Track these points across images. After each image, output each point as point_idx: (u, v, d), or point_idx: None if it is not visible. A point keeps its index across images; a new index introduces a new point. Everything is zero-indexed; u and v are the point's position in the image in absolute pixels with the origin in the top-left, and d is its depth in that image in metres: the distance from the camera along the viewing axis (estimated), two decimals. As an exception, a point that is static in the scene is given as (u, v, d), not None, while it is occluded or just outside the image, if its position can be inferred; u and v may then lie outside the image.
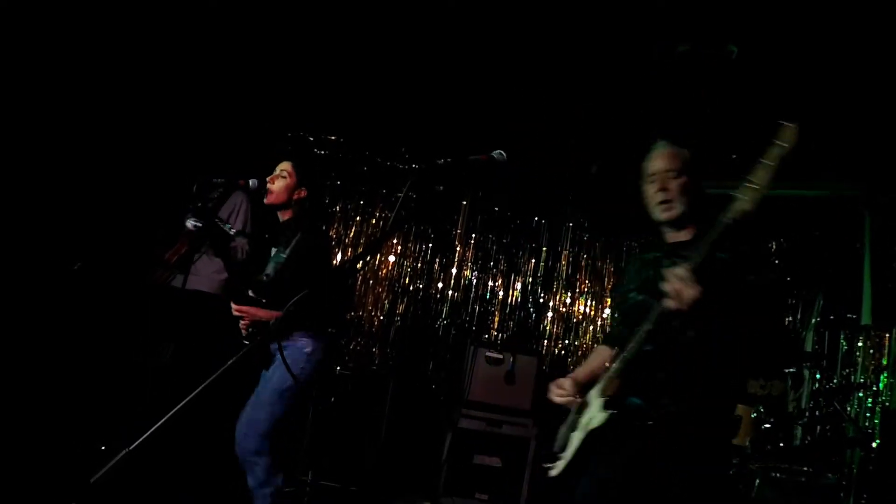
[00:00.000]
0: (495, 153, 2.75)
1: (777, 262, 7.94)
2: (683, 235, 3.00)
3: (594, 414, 2.86)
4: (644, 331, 2.71)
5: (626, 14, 5.06)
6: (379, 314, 7.89)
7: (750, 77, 5.54)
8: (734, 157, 6.85)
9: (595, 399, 2.91)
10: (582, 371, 3.19)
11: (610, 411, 2.79)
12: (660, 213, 2.98)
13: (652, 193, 3.00)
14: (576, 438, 2.93)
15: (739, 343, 2.71)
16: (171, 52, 6.22)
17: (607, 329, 8.10)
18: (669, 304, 2.57)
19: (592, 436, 2.84)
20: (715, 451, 2.82)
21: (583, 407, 3.00)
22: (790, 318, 7.75)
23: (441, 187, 2.58)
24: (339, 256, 7.90)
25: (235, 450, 4.12)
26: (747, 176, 2.50)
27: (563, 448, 3.01)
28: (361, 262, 4.11)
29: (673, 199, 2.93)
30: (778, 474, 5.29)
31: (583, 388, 3.05)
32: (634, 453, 2.79)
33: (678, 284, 2.53)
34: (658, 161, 3.02)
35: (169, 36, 6.04)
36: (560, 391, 3.06)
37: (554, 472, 3.00)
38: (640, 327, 2.75)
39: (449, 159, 2.66)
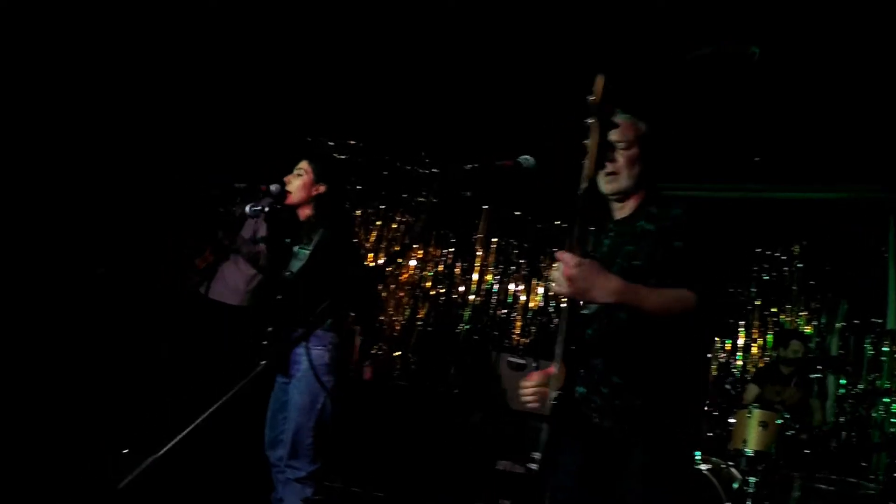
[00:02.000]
0: (522, 158, 2.68)
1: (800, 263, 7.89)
2: (626, 210, 2.80)
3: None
4: (566, 313, 2.45)
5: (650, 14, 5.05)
6: (401, 319, 7.88)
7: (776, 80, 5.51)
8: (757, 159, 6.83)
9: (552, 391, 2.72)
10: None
11: (553, 402, 2.47)
12: (604, 185, 2.77)
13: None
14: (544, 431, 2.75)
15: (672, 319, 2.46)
16: (195, 61, 6.24)
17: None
18: (553, 288, 2.43)
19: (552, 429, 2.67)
20: (664, 448, 2.55)
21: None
22: (815, 322, 7.70)
23: (468, 193, 2.49)
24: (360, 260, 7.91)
25: (268, 454, 4.11)
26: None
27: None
28: (391, 266, 4.07)
29: (619, 171, 2.74)
30: (820, 484, 5.23)
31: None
32: (584, 451, 2.59)
33: (561, 268, 2.36)
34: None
35: (193, 46, 6.06)
36: (529, 391, 2.71)
37: (533, 467, 2.84)
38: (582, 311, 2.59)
39: (476, 164, 2.60)
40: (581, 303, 2.53)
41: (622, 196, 2.80)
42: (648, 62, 5.60)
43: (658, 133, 2.83)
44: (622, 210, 2.82)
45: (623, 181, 2.75)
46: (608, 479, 2.55)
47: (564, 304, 2.49)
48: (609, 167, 2.73)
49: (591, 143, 2.44)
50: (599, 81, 2.44)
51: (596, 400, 2.60)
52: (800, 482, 5.24)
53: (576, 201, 2.47)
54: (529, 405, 2.77)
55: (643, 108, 2.88)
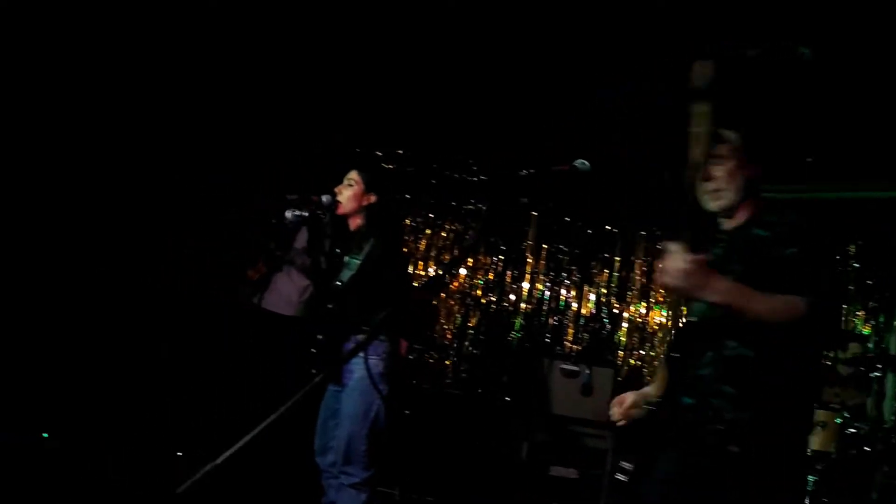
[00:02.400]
0: (577, 162, 2.67)
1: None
2: (737, 220, 2.75)
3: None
4: (671, 319, 2.55)
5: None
6: (452, 327, 7.90)
7: (828, 77, 5.43)
8: (809, 159, 6.74)
9: (650, 398, 2.70)
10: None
11: (649, 407, 2.58)
12: (710, 203, 2.74)
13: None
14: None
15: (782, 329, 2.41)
16: (244, 73, 6.35)
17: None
18: (661, 279, 2.43)
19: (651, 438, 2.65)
20: (774, 463, 2.49)
21: None
22: (872, 322, 7.56)
23: (525, 199, 2.47)
24: (409, 269, 7.93)
25: (318, 461, 4.16)
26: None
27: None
28: (448, 275, 4.09)
29: (721, 187, 2.70)
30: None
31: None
32: (683, 461, 2.56)
33: (667, 260, 2.36)
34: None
35: (241, 58, 6.17)
36: (617, 409, 2.79)
37: (622, 478, 2.80)
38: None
39: (531, 170, 2.60)
40: (686, 310, 2.53)
41: (730, 211, 2.75)
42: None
43: (753, 137, 2.77)
44: (732, 221, 2.77)
45: (730, 196, 2.71)
46: (706, 491, 2.50)
47: (670, 310, 2.49)
48: (711, 185, 2.70)
49: (698, 130, 2.43)
50: (705, 66, 2.41)
51: (706, 412, 2.55)
52: (881, 481, 5.13)
53: (684, 193, 2.49)
54: (618, 423, 2.80)
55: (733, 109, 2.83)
